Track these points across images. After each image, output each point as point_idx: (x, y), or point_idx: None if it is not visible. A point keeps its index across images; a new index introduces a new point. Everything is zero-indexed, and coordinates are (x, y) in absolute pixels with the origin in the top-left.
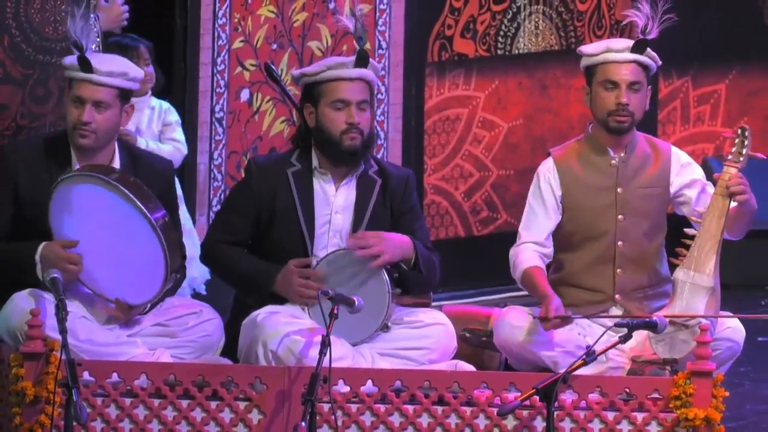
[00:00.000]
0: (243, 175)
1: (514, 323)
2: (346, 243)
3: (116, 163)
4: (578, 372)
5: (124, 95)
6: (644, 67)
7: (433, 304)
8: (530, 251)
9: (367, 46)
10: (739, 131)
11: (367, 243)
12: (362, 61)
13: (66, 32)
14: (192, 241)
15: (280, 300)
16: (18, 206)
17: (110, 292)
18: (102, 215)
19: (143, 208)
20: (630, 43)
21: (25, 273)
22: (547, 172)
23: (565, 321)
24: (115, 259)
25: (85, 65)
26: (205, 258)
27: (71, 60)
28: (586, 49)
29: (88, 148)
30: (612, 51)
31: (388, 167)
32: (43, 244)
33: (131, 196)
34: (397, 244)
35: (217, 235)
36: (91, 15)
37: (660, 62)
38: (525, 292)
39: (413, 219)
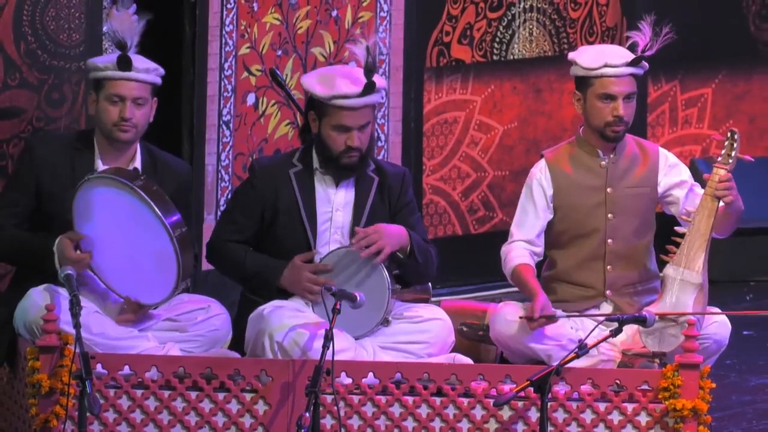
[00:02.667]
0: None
1: (509, 318)
2: (352, 242)
3: (137, 162)
4: (571, 365)
5: (155, 90)
6: (636, 76)
7: (432, 299)
8: (521, 249)
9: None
10: (729, 134)
11: (369, 241)
12: (370, 90)
13: (108, 32)
14: None
15: (286, 295)
16: (38, 199)
17: (122, 290)
18: (122, 218)
19: (163, 218)
20: (626, 56)
21: (37, 262)
22: (539, 172)
23: (551, 320)
24: (130, 259)
25: (126, 64)
26: (211, 256)
27: (106, 60)
28: (582, 61)
29: (126, 143)
30: (610, 66)
31: (384, 166)
32: (60, 237)
33: (153, 204)
34: (394, 234)
35: (222, 234)
36: (132, 14)
37: (648, 66)
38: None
39: (410, 214)
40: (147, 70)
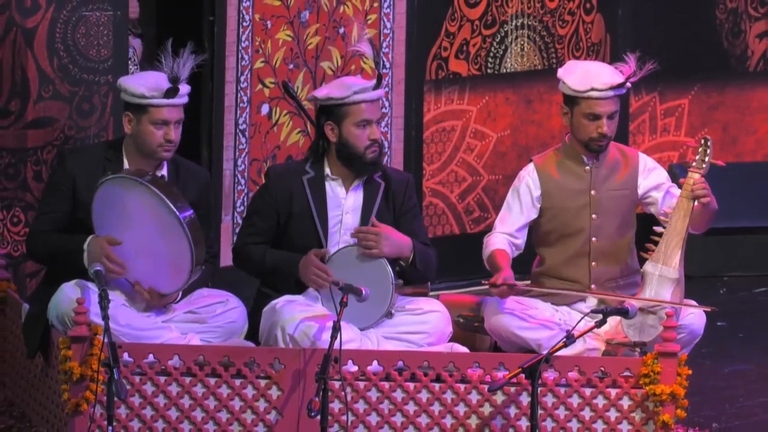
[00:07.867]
0: (263, 181)
1: (502, 310)
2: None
3: (164, 170)
4: (559, 353)
5: None
6: (620, 95)
7: (431, 293)
8: (500, 237)
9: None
10: (703, 141)
11: (366, 238)
12: (380, 82)
13: (169, 68)
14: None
15: (298, 289)
16: (73, 206)
17: (144, 282)
18: (137, 213)
19: (172, 206)
20: (611, 80)
21: (74, 261)
22: (528, 175)
23: (512, 290)
24: (148, 252)
25: (175, 93)
26: (235, 259)
27: (151, 87)
28: (570, 83)
29: (167, 159)
30: (596, 90)
31: (390, 172)
32: (91, 236)
33: (162, 195)
34: (395, 242)
35: (244, 239)
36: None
37: (631, 86)
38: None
39: (413, 218)
40: (185, 93)
